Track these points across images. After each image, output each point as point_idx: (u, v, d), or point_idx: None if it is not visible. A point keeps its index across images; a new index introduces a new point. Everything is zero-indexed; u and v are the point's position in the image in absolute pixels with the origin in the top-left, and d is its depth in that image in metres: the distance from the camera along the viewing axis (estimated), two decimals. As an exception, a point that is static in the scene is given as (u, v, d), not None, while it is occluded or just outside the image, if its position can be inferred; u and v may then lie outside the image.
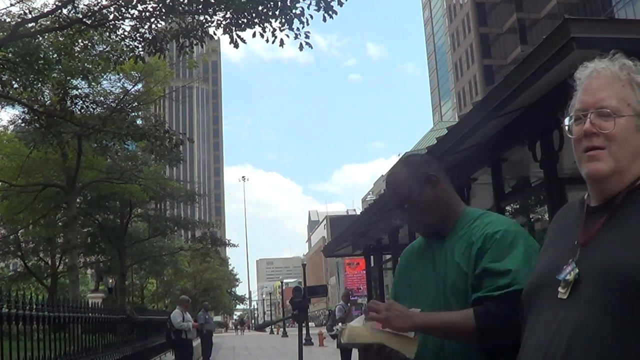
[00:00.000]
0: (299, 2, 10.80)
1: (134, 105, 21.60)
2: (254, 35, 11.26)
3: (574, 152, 1.46)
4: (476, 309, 1.93)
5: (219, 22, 11.54)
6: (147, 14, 12.08)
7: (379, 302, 1.95)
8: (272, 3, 10.82)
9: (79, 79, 17.75)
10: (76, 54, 15.26)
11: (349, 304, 14.94)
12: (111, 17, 12.34)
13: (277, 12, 10.89)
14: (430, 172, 2.18)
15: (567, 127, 1.48)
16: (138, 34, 12.54)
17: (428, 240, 2.24)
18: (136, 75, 21.42)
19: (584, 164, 1.43)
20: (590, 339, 1.28)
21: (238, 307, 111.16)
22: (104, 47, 15.11)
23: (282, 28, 11.01)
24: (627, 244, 1.33)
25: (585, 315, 1.31)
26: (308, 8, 10.83)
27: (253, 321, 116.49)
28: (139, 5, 11.88)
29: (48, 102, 17.48)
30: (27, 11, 14.09)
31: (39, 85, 15.66)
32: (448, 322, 1.96)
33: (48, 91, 17.81)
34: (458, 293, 2.04)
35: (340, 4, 10.74)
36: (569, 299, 1.36)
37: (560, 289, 1.38)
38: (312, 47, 11.24)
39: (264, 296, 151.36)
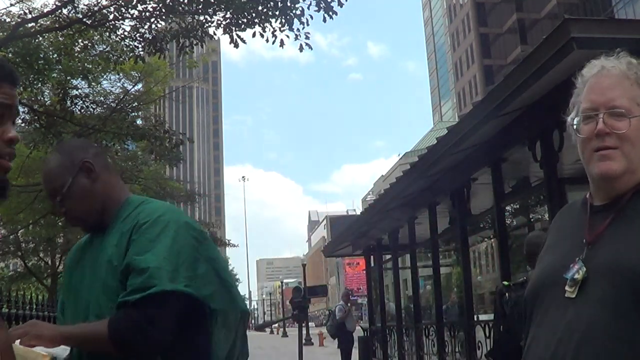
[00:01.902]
0: (298, 2, 10.79)
1: (134, 105, 21.57)
2: (253, 35, 11.26)
3: (582, 151, 1.44)
4: (111, 317, 1.74)
5: (219, 22, 11.53)
6: (147, 14, 12.07)
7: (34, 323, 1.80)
8: (272, 3, 10.81)
9: (79, 79, 17.72)
10: (76, 54, 15.24)
11: (349, 304, 14.94)
12: (111, 17, 12.33)
13: (277, 12, 10.88)
14: (86, 158, 1.97)
15: (574, 127, 1.46)
16: (138, 34, 12.54)
17: (91, 235, 2.03)
18: (136, 75, 21.39)
19: (595, 163, 1.41)
20: (601, 338, 1.28)
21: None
22: (104, 47, 15.10)
23: (282, 29, 11.00)
24: (636, 242, 1.32)
25: (595, 314, 1.30)
26: (308, 8, 10.82)
27: (253, 321, 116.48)
28: (139, 5, 11.87)
29: (48, 102, 17.47)
30: (27, 11, 14.09)
31: (39, 85, 15.65)
32: (85, 332, 1.77)
33: (48, 91, 17.80)
34: (110, 292, 1.82)
35: (341, 4, 10.73)
36: (577, 298, 1.35)
37: (567, 288, 1.37)
38: (312, 49, 11.23)
39: (264, 296, 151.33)
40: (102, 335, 1.73)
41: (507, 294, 4.31)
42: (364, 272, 20.29)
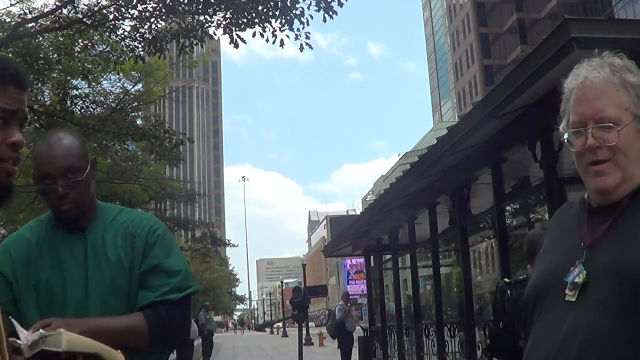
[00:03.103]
0: (298, 2, 10.79)
1: (134, 105, 21.55)
2: (253, 35, 11.26)
3: (577, 164, 1.44)
4: (146, 313, 1.86)
5: (219, 22, 11.53)
6: (147, 14, 12.06)
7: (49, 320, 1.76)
8: (272, 3, 10.81)
9: (79, 79, 17.70)
10: (76, 54, 15.23)
11: (349, 304, 14.94)
12: (111, 17, 12.33)
13: (277, 12, 10.88)
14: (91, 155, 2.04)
15: (566, 140, 1.44)
16: (138, 34, 12.52)
17: (53, 233, 1.99)
18: (136, 75, 21.38)
19: (591, 179, 1.40)
20: (602, 342, 1.27)
21: (238, 307, 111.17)
22: (104, 47, 15.10)
23: (282, 28, 11.00)
24: (635, 245, 1.31)
25: (596, 318, 1.29)
26: (308, 8, 10.82)
27: (253, 321, 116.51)
28: (139, 5, 11.86)
29: (48, 102, 17.46)
30: (27, 11, 14.09)
31: (39, 85, 15.64)
32: (120, 326, 1.84)
33: (48, 91, 17.79)
34: (119, 290, 1.91)
35: (341, 4, 10.72)
36: (578, 301, 1.34)
37: (567, 292, 1.36)
38: (312, 48, 11.23)
39: (264, 296, 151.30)
40: (140, 330, 1.85)
41: (508, 291, 4.31)
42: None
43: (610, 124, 1.37)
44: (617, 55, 1.45)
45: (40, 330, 1.63)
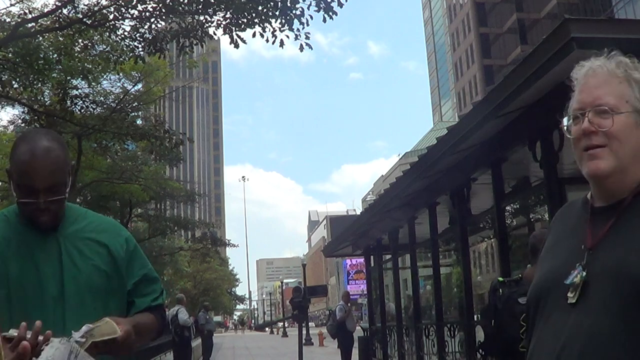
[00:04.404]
0: (298, 2, 10.79)
1: (134, 105, 21.55)
2: (253, 35, 11.26)
3: (574, 151, 1.44)
4: (154, 313, 2.10)
5: (219, 22, 11.53)
6: (147, 14, 12.06)
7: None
8: (272, 3, 10.81)
9: (79, 79, 17.70)
10: (76, 54, 15.23)
11: (349, 304, 14.94)
12: (111, 17, 12.32)
13: (277, 13, 10.88)
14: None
15: (565, 128, 1.46)
16: (138, 34, 12.52)
17: (23, 229, 1.93)
18: (136, 75, 21.38)
19: (585, 162, 1.40)
20: (603, 344, 1.26)
21: (238, 307, 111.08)
22: (104, 47, 15.10)
23: (282, 29, 11.00)
24: (637, 247, 1.30)
25: (597, 320, 1.29)
26: (308, 9, 10.82)
27: (253, 321, 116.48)
28: (139, 5, 11.86)
29: (48, 102, 17.47)
30: (27, 11, 14.09)
31: (39, 85, 15.63)
32: (149, 322, 2.06)
33: (48, 91, 17.79)
34: (96, 292, 1.94)
35: (340, 4, 10.72)
36: (578, 303, 1.33)
37: (568, 294, 1.35)
38: (312, 48, 11.23)
39: (264, 296, 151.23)
40: (156, 326, 2.11)
41: (500, 290, 4.32)
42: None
43: (606, 109, 1.38)
44: (627, 56, 1.46)
45: (86, 324, 1.72)
